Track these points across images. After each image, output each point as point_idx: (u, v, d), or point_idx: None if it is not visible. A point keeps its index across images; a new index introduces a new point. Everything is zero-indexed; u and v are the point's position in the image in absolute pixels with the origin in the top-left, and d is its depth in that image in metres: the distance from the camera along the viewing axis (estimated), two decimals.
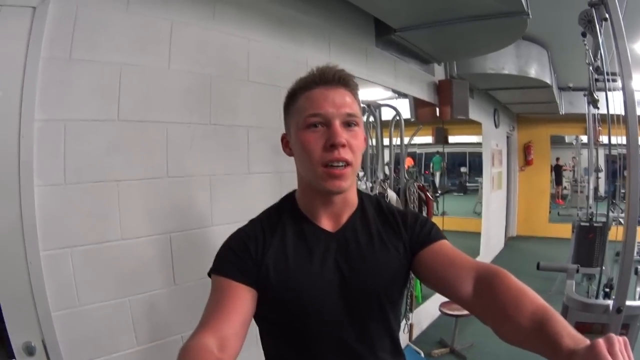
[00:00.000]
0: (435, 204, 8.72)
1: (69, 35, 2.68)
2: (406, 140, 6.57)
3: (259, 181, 3.89)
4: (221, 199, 3.55)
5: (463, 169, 15.13)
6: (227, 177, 3.62)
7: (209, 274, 1.82)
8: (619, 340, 1.18)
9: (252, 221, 1.97)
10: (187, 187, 3.34)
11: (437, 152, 11.99)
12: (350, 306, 1.83)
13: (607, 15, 3.72)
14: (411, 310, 6.55)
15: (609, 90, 5.22)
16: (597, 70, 6.25)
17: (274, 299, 1.78)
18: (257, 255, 1.80)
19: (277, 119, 3.55)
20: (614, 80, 4.65)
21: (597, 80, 7.15)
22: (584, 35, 5.34)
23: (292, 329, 1.85)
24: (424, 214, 6.26)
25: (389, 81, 6.21)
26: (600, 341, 1.18)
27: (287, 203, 2.00)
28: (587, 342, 1.25)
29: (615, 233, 5.76)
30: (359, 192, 2.04)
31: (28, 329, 2.53)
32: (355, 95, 1.86)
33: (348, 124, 1.77)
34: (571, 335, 1.30)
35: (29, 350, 2.52)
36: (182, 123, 3.29)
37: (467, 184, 14.85)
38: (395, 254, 1.90)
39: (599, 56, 5.54)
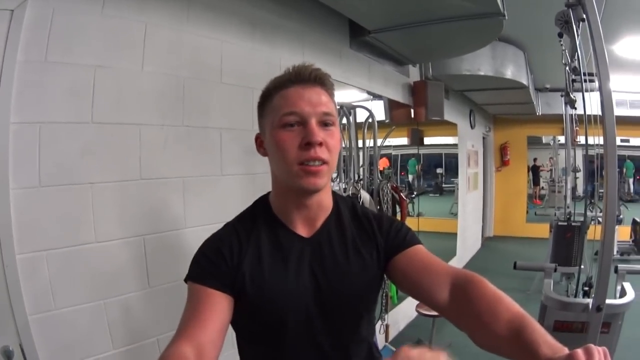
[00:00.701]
0: (410, 205, 8.74)
1: (45, 38, 2.67)
2: (379, 141, 6.58)
3: (232, 183, 3.89)
4: (194, 201, 3.55)
5: (439, 170, 15.18)
6: (200, 179, 3.62)
7: (185, 280, 1.81)
8: (599, 351, 1.17)
9: (226, 225, 1.96)
10: (161, 189, 3.34)
11: (413, 155, 12.03)
12: (326, 314, 1.84)
13: (584, 16, 3.72)
14: (386, 311, 6.54)
15: (586, 90, 5.24)
16: (574, 70, 6.28)
17: (250, 307, 1.78)
18: (233, 262, 1.79)
19: (250, 120, 3.54)
20: (591, 81, 4.66)
21: (574, 80, 7.18)
22: (560, 36, 5.36)
23: (268, 336, 1.85)
24: (398, 214, 6.32)
25: (363, 83, 6.22)
26: (579, 352, 1.17)
27: (261, 206, 1.98)
28: (565, 350, 1.25)
29: (594, 232, 5.80)
30: (334, 194, 2.03)
31: (6, 334, 2.52)
32: (331, 94, 1.84)
33: (324, 123, 1.75)
34: (549, 344, 1.30)
35: (7, 355, 2.50)
36: (155, 125, 3.28)
37: (443, 185, 14.89)
38: (369, 261, 1.91)
39: (576, 57, 5.56)
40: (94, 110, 2.91)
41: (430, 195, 14.93)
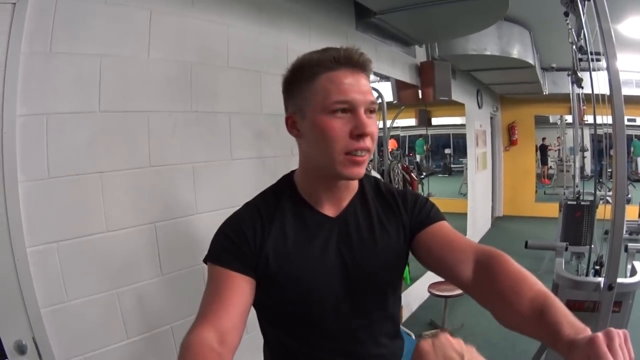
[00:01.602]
0: (420, 186, 8.76)
1: (49, 29, 2.65)
2: (389, 123, 6.58)
3: (242, 167, 3.88)
4: (204, 187, 3.54)
5: (447, 151, 15.19)
6: (209, 164, 3.60)
7: (205, 261, 1.79)
8: (619, 335, 1.17)
9: (247, 205, 1.92)
10: (170, 175, 3.33)
11: (421, 136, 12.02)
12: (352, 293, 1.83)
13: None
14: None
15: (593, 70, 5.21)
16: (581, 49, 6.26)
17: (274, 288, 1.77)
18: (256, 243, 1.76)
19: (259, 104, 3.50)
20: (598, 60, 4.63)
21: (580, 59, 7.15)
22: (566, 14, 5.33)
23: (292, 316, 1.84)
24: None
25: None
26: (600, 335, 1.16)
27: (285, 186, 1.95)
28: (588, 330, 1.24)
29: (604, 212, 5.78)
30: None
31: (18, 328, 2.52)
32: (369, 81, 1.82)
33: (370, 111, 1.73)
34: (571, 324, 1.30)
35: (21, 349, 2.50)
36: (163, 112, 3.27)
37: (452, 166, 14.94)
38: (395, 238, 1.90)
39: (582, 36, 5.53)
40: (101, 100, 2.90)
41: (439, 175, 14.99)
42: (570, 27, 6.08)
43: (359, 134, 1.66)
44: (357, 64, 1.73)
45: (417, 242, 1.89)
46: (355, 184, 1.94)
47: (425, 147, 12.39)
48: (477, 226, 12.92)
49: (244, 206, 1.92)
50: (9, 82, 2.47)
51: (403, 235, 1.91)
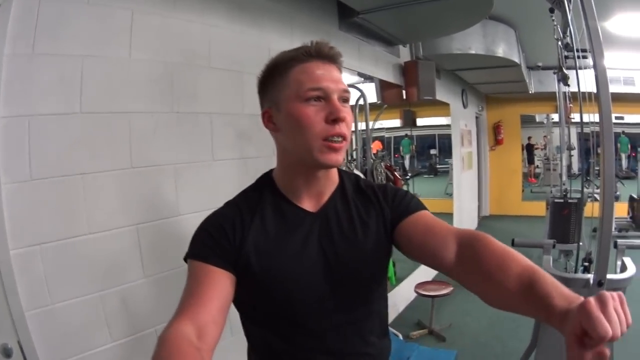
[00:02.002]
0: (405, 186, 8.76)
1: (32, 30, 2.64)
2: (371, 123, 6.59)
3: (224, 168, 3.88)
4: (187, 188, 3.53)
5: (433, 151, 15.22)
6: (191, 165, 3.60)
7: (185, 259, 1.78)
8: (613, 297, 1.12)
9: (228, 203, 1.92)
10: (152, 177, 3.32)
11: (406, 135, 12.00)
12: (336, 289, 1.81)
13: None
14: None
15: (579, 67, 5.21)
16: (567, 47, 6.25)
17: (256, 286, 1.75)
18: (236, 239, 1.75)
19: (240, 105, 3.45)
20: (584, 57, 4.62)
21: (566, 57, 7.14)
22: (552, 11, 5.33)
23: (277, 316, 1.82)
24: None
25: (353, 64, 6.21)
26: (591, 300, 1.10)
27: (265, 183, 1.95)
28: (581, 299, 1.19)
29: (591, 209, 5.79)
30: (339, 169, 2.02)
31: (3, 331, 2.50)
32: (341, 73, 1.85)
33: (343, 99, 1.76)
34: (563, 295, 1.27)
35: (7, 352, 2.49)
36: (145, 113, 3.26)
37: (438, 166, 14.98)
38: (376, 231, 1.89)
39: (568, 33, 5.54)
40: (83, 101, 2.88)
41: (425, 176, 15.00)
42: (555, 23, 6.07)
43: (333, 118, 1.68)
44: (327, 56, 1.77)
45: (398, 233, 1.88)
46: (335, 178, 1.95)
47: (411, 147, 12.39)
48: (464, 226, 12.79)
49: (224, 204, 1.92)
50: None
51: (384, 228, 1.90)
